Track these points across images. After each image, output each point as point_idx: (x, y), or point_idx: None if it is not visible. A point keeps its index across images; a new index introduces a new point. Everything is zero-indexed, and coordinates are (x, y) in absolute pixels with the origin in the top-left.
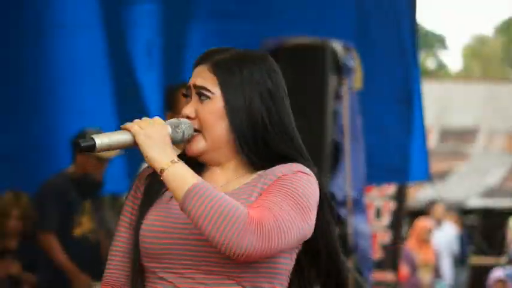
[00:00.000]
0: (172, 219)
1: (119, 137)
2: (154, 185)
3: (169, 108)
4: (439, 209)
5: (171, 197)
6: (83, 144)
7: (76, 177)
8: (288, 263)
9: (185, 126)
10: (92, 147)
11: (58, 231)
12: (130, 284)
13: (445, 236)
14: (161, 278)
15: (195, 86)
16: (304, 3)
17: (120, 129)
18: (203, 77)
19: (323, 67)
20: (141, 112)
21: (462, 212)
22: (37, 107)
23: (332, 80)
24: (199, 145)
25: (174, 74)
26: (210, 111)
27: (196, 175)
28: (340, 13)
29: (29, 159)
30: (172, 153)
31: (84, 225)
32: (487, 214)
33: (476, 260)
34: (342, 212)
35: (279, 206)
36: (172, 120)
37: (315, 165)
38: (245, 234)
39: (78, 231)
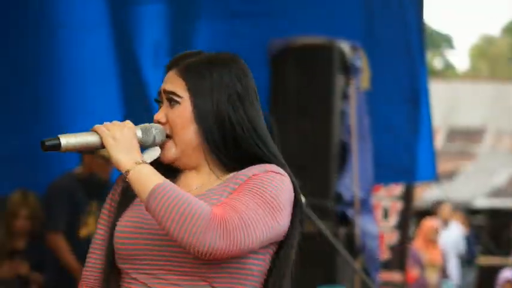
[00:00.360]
0: (144, 220)
1: (86, 138)
2: (130, 189)
3: None
4: (445, 209)
5: None
6: (47, 143)
7: (83, 177)
8: (260, 264)
9: (156, 131)
10: (57, 146)
11: (65, 232)
12: (103, 284)
13: (452, 236)
14: (134, 279)
15: (165, 91)
16: (312, 3)
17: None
18: (172, 82)
19: (330, 67)
20: (148, 112)
21: (469, 212)
22: (45, 107)
23: (339, 80)
24: (170, 152)
25: None
26: (179, 116)
27: (160, 176)
28: (347, 13)
29: (37, 159)
30: (138, 156)
31: (90, 226)
32: (494, 214)
33: (484, 260)
34: (349, 212)
35: (245, 204)
36: (144, 124)
37: (319, 172)
38: (207, 230)
39: (84, 232)
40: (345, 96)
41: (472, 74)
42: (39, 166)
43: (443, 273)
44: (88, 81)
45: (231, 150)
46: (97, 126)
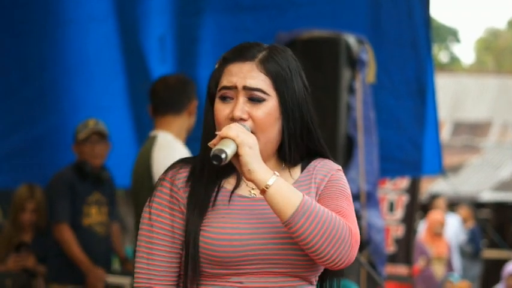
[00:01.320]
0: (242, 225)
1: (233, 147)
2: (199, 191)
3: None
4: (441, 203)
5: (229, 205)
6: (222, 156)
7: (79, 167)
8: None
9: (248, 130)
10: (226, 159)
11: (69, 223)
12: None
13: (451, 229)
14: (239, 282)
15: (248, 88)
16: None
17: (135, 127)
18: (254, 77)
19: (337, 61)
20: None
21: (475, 206)
22: (51, 102)
23: (345, 74)
24: None
25: (186, 68)
26: (268, 113)
27: (294, 188)
28: (353, 6)
29: (42, 153)
30: (268, 167)
31: (92, 216)
32: (499, 207)
33: (489, 253)
34: (356, 205)
35: (350, 211)
36: (243, 125)
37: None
38: (351, 248)
39: (86, 222)
40: (351, 90)
41: (478, 68)
42: (45, 160)
43: (449, 266)
44: (94, 75)
45: (303, 147)
46: (232, 134)
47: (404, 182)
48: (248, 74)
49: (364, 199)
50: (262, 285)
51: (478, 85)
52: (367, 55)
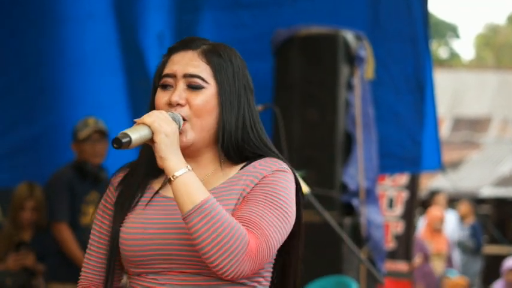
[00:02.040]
0: (150, 225)
1: (143, 133)
2: (127, 192)
3: None
4: (441, 199)
5: (147, 204)
6: (123, 140)
7: (77, 166)
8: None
9: (179, 117)
10: (129, 142)
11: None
12: (105, 285)
13: (449, 225)
14: (154, 279)
15: (187, 75)
16: None
17: (134, 122)
18: (194, 65)
19: (335, 57)
20: (153, 104)
21: (475, 202)
22: (49, 100)
23: (344, 70)
24: (189, 136)
25: None
26: (205, 101)
27: (204, 188)
28: (352, 3)
29: (41, 151)
30: (184, 159)
31: (90, 216)
32: (499, 203)
33: (489, 249)
34: (355, 202)
35: (268, 222)
36: (169, 113)
37: (324, 162)
38: (242, 262)
39: (84, 221)
40: (350, 86)
41: (478, 63)
42: (44, 158)
43: (449, 262)
44: (92, 73)
45: (238, 142)
46: (148, 120)
47: (403, 178)
48: (189, 62)
49: (364, 195)
50: (178, 283)
51: (478, 81)
52: (366, 51)
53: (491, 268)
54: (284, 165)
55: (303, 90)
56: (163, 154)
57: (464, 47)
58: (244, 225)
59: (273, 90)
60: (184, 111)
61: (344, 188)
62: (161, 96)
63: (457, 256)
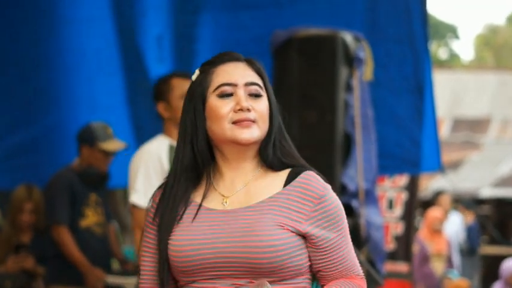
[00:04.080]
0: (201, 237)
1: None
2: (169, 206)
3: (162, 99)
4: (445, 200)
5: (193, 219)
6: None
7: (81, 170)
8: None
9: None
10: None
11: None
12: None
13: (452, 226)
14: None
15: (248, 84)
16: None
17: (134, 127)
18: (252, 75)
19: (334, 58)
20: (152, 106)
21: (475, 202)
22: (48, 102)
23: (343, 71)
24: (255, 133)
25: (185, 66)
26: (265, 107)
27: None
28: (350, 4)
29: (40, 153)
30: None
31: (89, 218)
32: (499, 204)
33: (489, 249)
34: (354, 203)
35: (356, 257)
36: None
37: (323, 163)
38: None
39: (84, 223)
40: (349, 88)
41: (477, 64)
42: (43, 160)
43: (449, 263)
44: (92, 74)
45: (278, 147)
46: None
47: (403, 179)
48: (246, 72)
49: (363, 197)
50: (229, 287)
51: (478, 81)
52: (364, 52)
53: (491, 269)
54: (321, 181)
55: (302, 91)
56: None
57: (464, 48)
58: (355, 277)
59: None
60: (253, 115)
61: (343, 189)
62: (221, 105)
63: (456, 257)
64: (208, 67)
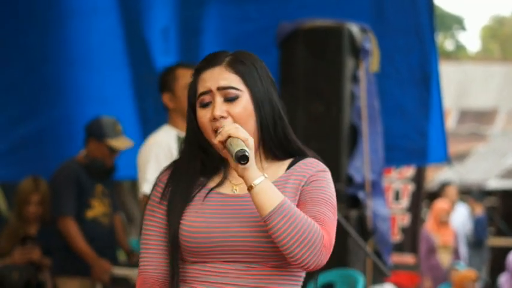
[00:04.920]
0: (212, 219)
1: (245, 147)
2: (181, 187)
3: (167, 89)
4: (452, 191)
5: (204, 200)
6: (247, 154)
7: (86, 162)
8: None
9: None
10: (249, 157)
11: (74, 216)
12: (171, 276)
13: (459, 218)
14: (206, 268)
15: (221, 88)
16: None
17: (140, 119)
18: (224, 78)
19: (340, 50)
20: (158, 98)
21: (481, 194)
22: (54, 95)
23: (349, 63)
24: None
25: (190, 58)
26: (243, 108)
27: (278, 191)
28: None
29: (46, 146)
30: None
31: (96, 209)
32: (506, 195)
33: (496, 241)
34: (361, 194)
35: (328, 218)
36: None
37: (330, 155)
38: (321, 255)
39: (90, 214)
40: (355, 79)
41: (484, 55)
42: (49, 152)
43: (456, 255)
44: (97, 67)
45: (280, 139)
46: (243, 136)
47: (409, 171)
48: (219, 77)
49: (369, 188)
50: (231, 269)
51: (484, 73)
52: (371, 44)
53: (497, 260)
54: (323, 165)
55: (308, 83)
56: (247, 165)
57: (470, 39)
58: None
59: (278, 83)
60: (229, 122)
61: (350, 180)
62: (203, 114)
63: (463, 248)
64: (195, 74)
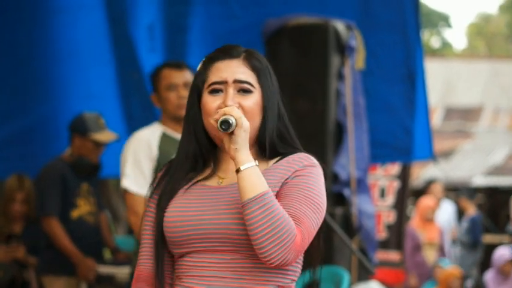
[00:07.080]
0: (189, 207)
1: (233, 123)
2: (171, 183)
3: (154, 90)
4: (438, 188)
5: (186, 190)
6: (232, 124)
7: (72, 160)
8: None
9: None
10: (230, 128)
11: (59, 215)
12: (156, 267)
13: (444, 215)
14: (198, 260)
15: (237, 81)
16: None
17: (126, 116)
18: (242, 72)
19: (325, 47)
20: (144, 96)
21: (472, 192)
22: (42, 92)
23: (335, 60)
24: None
25: (176, 56)
26: (254, 103)
27: (265, 183)
28: None
29: (33, 143)
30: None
31: (81, 208)
32: (492, 192)
33: (483, 238)
34: (346, 192)
35: (308, 217)
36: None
37: (315, 152)
38: (289, 252)
39: (75, 214)
40: (340, 76)
41: (470, 53)
42: (36, 150)
43: (441, 252)
44: (84, 64)
45: (276, 139)
46: (236, 114)
47: (395, 168)
48: (237, 69)
49: (355, 185)
50: (215, 261)
51: (470, 70)
52: (356, 41)
53: (485, 257)
54: (313, 160)
55: (294, 80)
56: (238, 146)
57: (456, 37)
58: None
59: None
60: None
61: (335, 178)
62: (212, 100)
63: (449, 246)
64: (207, 62)
